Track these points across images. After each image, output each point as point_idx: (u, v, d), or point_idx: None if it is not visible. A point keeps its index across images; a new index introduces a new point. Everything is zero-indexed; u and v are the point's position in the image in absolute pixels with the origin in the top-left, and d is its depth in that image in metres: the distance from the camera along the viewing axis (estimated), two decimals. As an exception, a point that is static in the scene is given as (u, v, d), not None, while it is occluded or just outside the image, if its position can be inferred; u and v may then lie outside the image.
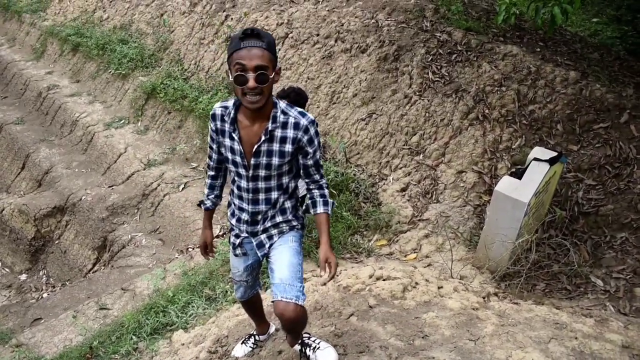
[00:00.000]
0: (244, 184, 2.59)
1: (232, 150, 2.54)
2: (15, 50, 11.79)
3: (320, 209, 2.64)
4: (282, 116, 2.45)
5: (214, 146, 2.69)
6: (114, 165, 7.62)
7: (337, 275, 3.03)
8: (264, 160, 2.49)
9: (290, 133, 2.45)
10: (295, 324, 2.60)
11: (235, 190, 2.67)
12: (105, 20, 10.46)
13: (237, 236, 2.78)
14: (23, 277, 7.17)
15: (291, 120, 2.44)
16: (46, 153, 8.30)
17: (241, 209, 2.68)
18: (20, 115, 9.61)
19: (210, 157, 2.78)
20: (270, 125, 2.44)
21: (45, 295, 6.59)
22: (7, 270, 7.35)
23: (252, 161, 2.51)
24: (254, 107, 2.35)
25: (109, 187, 7.29)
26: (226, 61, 2.43)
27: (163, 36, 8.99)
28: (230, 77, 2.34)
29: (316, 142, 2.52)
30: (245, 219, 2.68)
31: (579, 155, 4.96)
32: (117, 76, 9.15)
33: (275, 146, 2.47)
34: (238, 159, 2.53)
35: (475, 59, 5.76)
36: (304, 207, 2.79)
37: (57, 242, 7.18)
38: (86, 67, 9.99)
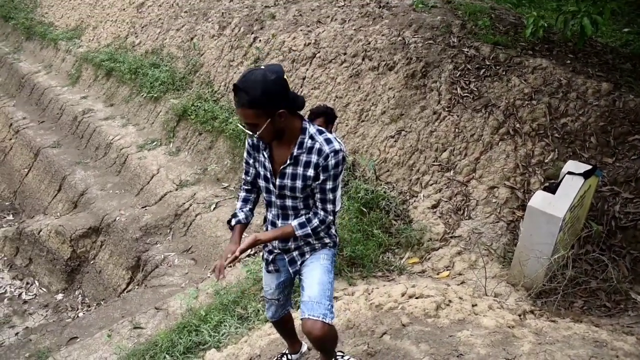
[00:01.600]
0: (274, 199, 2.65)
1: (264, 166, 2.62)
2: (51, 76, 12.19)
3: (294, 222, 2.61)
4: (309, 142, 2.48)
5: (250, 161, 2.73)
6: (147, 186, 7.76)
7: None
8: (288, 182, 2.55)
9: (313, 158, 2.48)
10: (323, 342, 2.60)
11: (268, 206, 2.73)
12: (137, 45, 10.74)
13: (270, 252, 2.81)
14: (59, 296, 7.32)
15: (317, 146, 2.47)
16: (81, 175, 8.51)
17: (274, 224, 2.73)
18: (57, 139, 9.90)
19: (246, 172, 2.81)
20: (295, 151, 2.50)
21: (80, 314, 6.71)
22: (44, 290, 7.52)
23: (278, 182, 2.57)
24: (264, 141, 2.51)
25: (142, 207, 7.42)
26: None
27: (193, 59, 9.18)
28: None
29: (331, 172, 2.48)
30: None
31: (615, 167, 4.85)
32: (149, 99, 9.36)
33: (299, 170, 2.52)
34: (268, 175, 2.62)
35: (504, 73, 5.71)
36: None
37: (92, 262, 7.32)
38: (119, 91, 10.26)
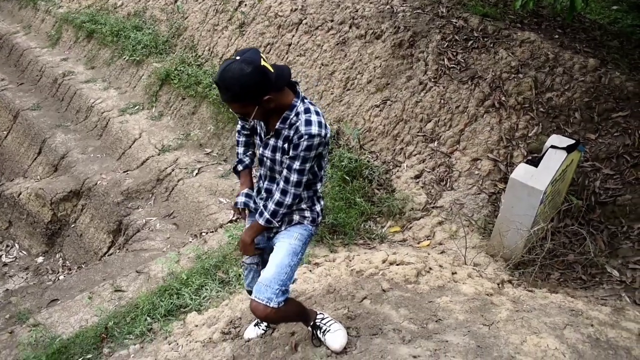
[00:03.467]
0: (264, 160, 2.69)
1: (257, 132, 2.70)
2: (30, 37, 11.85)
3: (260, 220, 2.67)
4: (293, 118, 2.49)
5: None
6: (129, 150, 7.66)
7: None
8: (268, 153, 2.60)
9: (290, 133, 2.49)
10: (267, 322, 2.69)
11: (259, 164, 2.77)
12: (120, 7, 10.47)
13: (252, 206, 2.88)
14: (40, 259, 7.26)
15: (297, 124, 2.46)
16: (62, 138, 8.36)
17: (262, 180, 2.80)
18: (37, 101, 9.68)
19: (243, 125, 2.87)
20: (278, 125, 2.52)
21: (61, 277, 6.67)
22: (24, 252, 7.45)
23: (261, 151, 2.65)
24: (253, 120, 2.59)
25: (124, 172, 7.34)
26: None
27: (177, 23, 8.99)
28: None
29: (300, 152, 2.45)
30: (262, 193, 2.79)
31: (597, 144, 4.90)
32: (131, 63, 9.17)
33: (279, 143, 2.55)
34: (258, 140, 2.69)
35: (491, 45, 5.69)
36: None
37: (73, 225, 7.25)
38: (101, 54, 10.03)
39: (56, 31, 11.31)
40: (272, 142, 2.57)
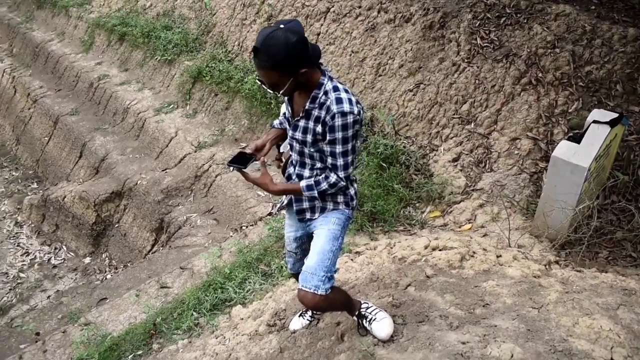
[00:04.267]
0: (294, 144, 2.66)
1: (286, 115, 2.71)
2: (65, 44, 12.14)
3: (303, 183, 2.60)
4: (322, 97, 2.45)
5: None
6: (166, 149, 7.80)
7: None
8: (299, 135, 2.55)
9: (322, 114, 2.44)
10: (317, 311, 2.66)
11: (291, 149, 2.74)
12: (149, 8, 10.61)
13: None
14: (87, 260, 7.49)
15: (327, 103, 2.42)
16: (101, 141, 8.57)
17: (293, 167, 2.76)
18: (75, 106, 9.93)
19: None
20: (308, 105, 2.48)
21: (108, 276, 6.86)
22: (72, 254, 7.69)
23: (291, 133, 2.62)
24: (282, 96, 2.46)
25: (163, 170, 7.47)
26: None
27: (205, 20, 9.06)
28: None
29: (338, 134, 2.41)
30: (294, 179, 2.75)
31: (641, 115, 4.73)
32: (163, 62, 9.30)
33: (310, 124, 2.50)
34: (288, 124, 2.69)
35: (525, 21, 5.53)
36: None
37: (116, 225, 7.44)
38: (133, 56, 10.20)
39: (89, 36, 11.55)
40: (302, 123, 2.52)
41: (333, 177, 2.54)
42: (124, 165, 7.84)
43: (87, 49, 11.45)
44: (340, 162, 2.50)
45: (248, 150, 2.61)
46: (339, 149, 2.46)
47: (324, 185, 2.56)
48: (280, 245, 4.77)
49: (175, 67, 9.03)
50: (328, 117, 2.40)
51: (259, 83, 2.45)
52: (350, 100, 2.40)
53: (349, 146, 2.46)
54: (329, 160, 2.52)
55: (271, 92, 2.45)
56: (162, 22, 9.84)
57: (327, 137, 2.44)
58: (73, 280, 7.09)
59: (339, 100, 2.39)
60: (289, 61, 2.28)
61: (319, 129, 2.47)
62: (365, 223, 4.85)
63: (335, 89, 2.43)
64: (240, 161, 2.55)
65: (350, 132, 2.42)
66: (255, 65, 2.35)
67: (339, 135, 2.41)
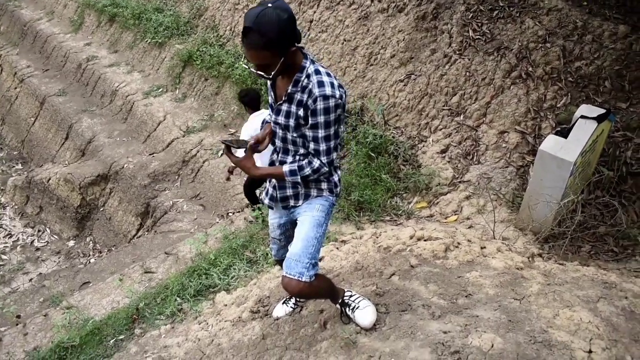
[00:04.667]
0: (277, 130, 2.64)
1: (269, 101, 2.67)
2: (54, 23, 11.97)
3: (286, 167, 2.56)
4: (305, 80, 2.42)
5: None
6: (154, 133, 7.74)
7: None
8: (282, 119, 2.52)
9: (304, 97, 2.41)
10: (301, 298, 2.67)
11: (274, 136, 2.70)
12: (140, -11, 10.48)
13: (269, 188, 2.82)
14: (71, 243, 7.44)
15: (309, 86, 2.39)
16: (88, 123, 8.49)
17: (276, 154, 2.73)
18: (62, 86, 9.82)
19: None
20: (290, 88, 2.45)
21: (92, 260, 6.83)
22: (55, 237, 7.63)
23: (273, 117, 2.59)
24: (266, 78, 2.39)
25: (150, 154, 7.42)
26: None
27: (197, 3, 8.97)
28: None
29: (320, 118, 2.39)
30: (276, 165, 2.70)
31: (628, 113, 4.75)
32: (153, 45, 9.20)
33: (293, 108, 2.47)
34: (270, 111, 2.66)
35: (517, 14, 5.53)
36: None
37: (102, 209, 7.39)
38: (123, 37, 10.08)
39: (79, 16, 11.40)
40: (284, 107, 2.49)
41: (316, 163, 2.51)
42: (111, 148, 7.77)
43: (76, 29, 11.30)
44: (322, 147, 2.47)
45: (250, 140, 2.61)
46: (321, 133, 2.43)
47: (307, 171, 2.53)
48: (266, 232, 4.76)
49: (165, 50, 8.94)
50: (310, 101, 2.38)
51: (247, 67, 2.43)
52: (332, 84, 2.37)
53: (331, 131, 2.44)
54: (312, 145, 2.50)
55: (261, 75, 2.39)
56: (154, 4, 9.74)
57: (310, 121, 2.42)
58: (56, 263, 7.04)
59: (320, 84, 2.36)
60: (280, 39, 2.24)
61: (301, 112, 2.44)
62: (352, 212, 4.86)
63: (317, 72, 2.41)
64: (234, 143, 2.57)
65: (332, 116, 2.40)
66: (246, 47, 2.29)
67: (320, 119, 2.39)
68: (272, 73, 2.34)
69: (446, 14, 5.89)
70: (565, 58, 5.12)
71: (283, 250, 3.01)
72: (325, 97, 2.34)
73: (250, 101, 5.25)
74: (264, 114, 4.86)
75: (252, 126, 5.00)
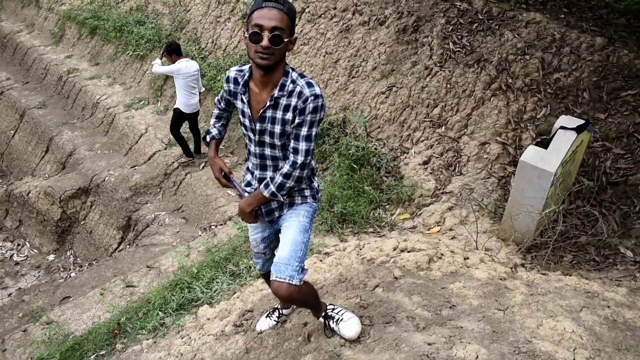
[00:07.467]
0: (252, 148, 2.62)
1: (243, 113, 2.58)
2: (34, 35, 11.87)
3: (265, 192, 2.56)
4: (290, 85, 2.42)
5: (225, 95, 2.76)
6: (136, 145, 7.67)
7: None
8: (268, 126, 2.50)
9: (293, 101, 2.42)
10: (291, 302, 2.69)
11: (248, 155, 2.71)
12: (122, 2, 10.44)
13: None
14: (51, 257, 7.31)
15: (297, 89, 2.40)
16: (69, 136, 8.39)
17: (251, 173, 2.73)
18: (42, 99, 9.71)
19: (220, 98, 2.84)
20: (276, 93, 2.43)
21: (73, 274, 6.71)
22: (35, 251, 7.50)
23: (257, 126, 2.52)
24: (263, 63, 2.33)
25: (131, 167, 7.35)
26: (245, 20, 2.45)
27: (179, 16, 8.95)
28: (246, 34, 2.34)
29: (308, 117, 2.40)
30: (254, 185, 2.71)
31: (607, 123, 4.83)
32: (135, 57, 9.16)
33: (279, 114, 2.46)
34: (247, 122, 2.57)
35: (497, 27, 5.62)
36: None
37: (82, 222, 7.28)
38: (104, 50, 10.02)
39: (59, 28, 11.31)
40: (269, 113, 2.47)
41: (286, 168, 2.50)
42: (92, 161, 7.68)
43: (57, 42, 11.21)
44: (302, 146, 2.47)
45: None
46: (304, 131, 2.44)
47: (279, 179, 2.52)
48: (249, 245, 4.72)
49: (147, 62, 8.90)
50: (300, 102, 2.39)
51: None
52: (318, 86, 2.43)
53: (313, 131, 2.45)
54: (292, 144, 2.49)
55: (264, 59, 2.32)
56: (135, 17, 9.70)
57: (296, 120, 2.43)
58: (36, 277, 6.90)
59: (309, 84, 2.40)
60: (294, 20, 2.37)
61: (288, 116, 2.44)
62: (335, 224, 4.85)
63: (302, 76, 2.45)
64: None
65: (318, 116, 2.43)
66: (271, 7, 2.28)
67: (308, 117, 2.41)
68: (273, 60, 2.33)
69: (427, 26, 5.95)
70: (544, 70, 5.20)
71: (269, 264, 2.98)
72: (316, 97, 2.38)
73: (177, 48, 6.68)
74: (191, 62, 6.69)
75: (191, 66, 6.65)
